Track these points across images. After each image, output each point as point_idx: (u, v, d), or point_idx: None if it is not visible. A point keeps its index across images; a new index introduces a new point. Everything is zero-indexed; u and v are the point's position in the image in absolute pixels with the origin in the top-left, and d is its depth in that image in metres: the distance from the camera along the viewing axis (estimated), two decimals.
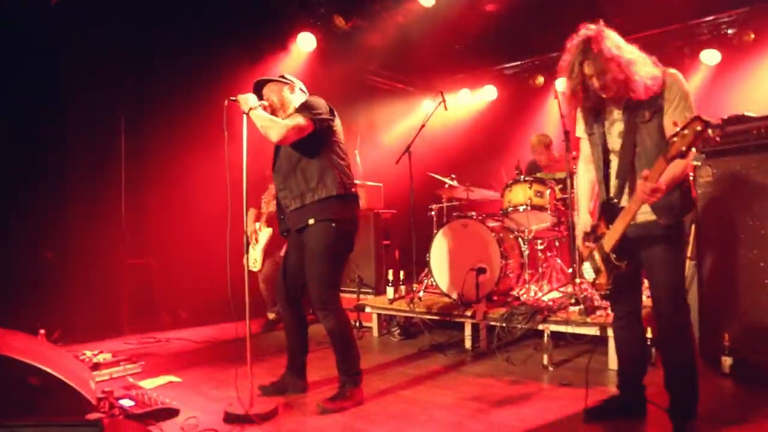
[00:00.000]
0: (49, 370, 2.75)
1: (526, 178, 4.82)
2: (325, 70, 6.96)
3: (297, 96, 3.47)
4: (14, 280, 5.07)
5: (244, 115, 3.17)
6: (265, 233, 4.91)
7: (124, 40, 5.69)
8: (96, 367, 3.96)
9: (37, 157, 5.34)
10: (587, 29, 2.53)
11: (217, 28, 5.99)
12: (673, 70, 2.55)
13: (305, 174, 3.27)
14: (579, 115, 2.88)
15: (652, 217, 2.56)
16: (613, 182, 2.68)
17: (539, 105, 7.90)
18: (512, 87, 8.17)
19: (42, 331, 4.37)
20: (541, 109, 7.85)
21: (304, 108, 3.25)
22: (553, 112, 5.88)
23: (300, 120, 3.16)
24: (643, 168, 2.39)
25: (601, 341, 3.93)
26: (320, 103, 3.32)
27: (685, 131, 2.14)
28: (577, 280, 4.29)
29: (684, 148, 2.15)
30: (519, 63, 7.93)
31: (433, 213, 5.78)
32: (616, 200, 2.64)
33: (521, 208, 4.73)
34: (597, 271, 2.71)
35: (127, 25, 5.60)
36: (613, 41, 2.50)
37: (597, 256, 2.69)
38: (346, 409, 3.18)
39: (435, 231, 5.17)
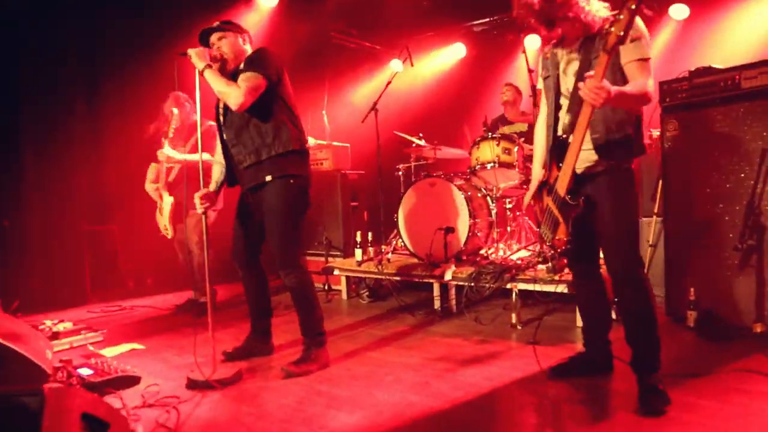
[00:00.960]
0: (0, 340, 2.65)
1: (494, 135, 4.74)
2: (289, 27, 6.75)
3: (247, 45, 3.33)
4: None
5: (197, 72, 3.04)
6: (167, 202, 4.72)
7: None
8: (55, 336, 3.84)
9: None
10: None
11: None
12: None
13: (260, 129, 3.15)
14: (539, 64, 2.81)
15: (600, 166, 2.51)
16: (563, 121, 2.60)
17: (508, 62, 7.78)
18: (481, 44, 8.02)
19: None
20: (510, 66, 7.73)
21: (257, 64, 3.10)
22: (521, 68, 5.77)
23: (255, 80, 3.03)
24: None
25: (570, 298, 3.94)
26: (271, 57, 3.18)
27: (620, 16, 2.07)
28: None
29: (621, 33, 2.07)
30: (488, 20, 7.76)
31: (400, 173, 5.69)
32: (565, 136, 2.55)
33: (489, 166, 4.66)
34: (555, 224, 2.63)
35: None
36: None
37: (552, 206, 2.64)
38: (311, 372, 3.13)
39: (403, 191, 5.09)
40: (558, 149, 2.59)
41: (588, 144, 2.47)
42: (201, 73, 3.04)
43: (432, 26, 7.96)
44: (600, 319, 2.88)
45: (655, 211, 4.28)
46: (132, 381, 3.06)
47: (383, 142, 5.31)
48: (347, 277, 5.27)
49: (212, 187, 3.43)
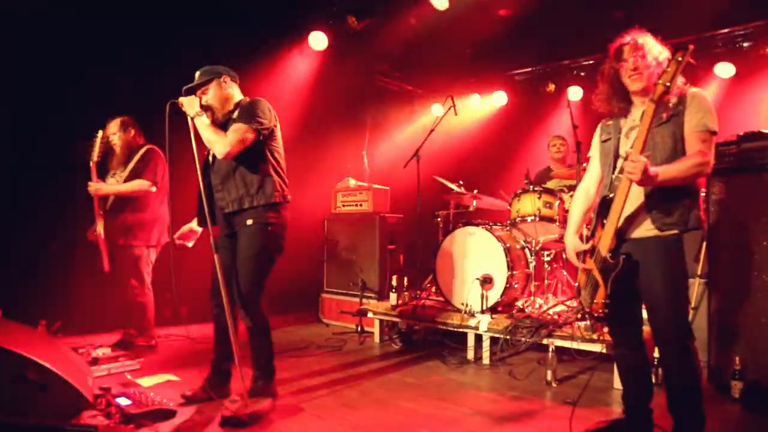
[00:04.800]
0: (47, 365, 2.71)
1: (536, 188, 4.75)
2: (335, 69, 6.90)
3: (231, 88, 3.41)
4: (17, 270, 5.02)
5: (190, 120, 3.20)
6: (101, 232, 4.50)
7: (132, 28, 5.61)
8: (95, 362, 3.92)
9: (42, 151, 5.29)
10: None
11: (232, 19, 5.87)
12: (700, 91, 2.53)
13: (245, 179, 3.28)
14: (597, 131, 2.84)
15: (652, 232, 2.50)
16: (614, 181, 2.62)
17: (550, 112, 7.81)
18: (523, 93, 8.08)
19: (43, 323, 4.33)
20: (551, 117, 7.76)
21: (249, 116, 3.22)
22: (564, 121, 5.78)
23: (244, 133, 3.17)
24: None
25: (606, 357, 3.87)
26: (265, 109, 3.30)
27: (668, 69, 2.14)
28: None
29: (668, 83, 2.15)
30: (530, 69, 7.85)
31: (439, 219, 5.72)
32: (611, 194, 2.56)
33: (529, 219, 4.67)
34: (595, 288, 2.62)
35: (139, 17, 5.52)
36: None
37: (594, 270, 2.63)
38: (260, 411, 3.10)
39: (441, 238, 5.11)
40: (603, 206, 2.60)
41: (643, 210, 2.47)
42: (192, 119, 3.19)
43: (474, 73, 8.08)
44: (641, 386, 2.80)
45: (698, 272, 4.20)
46: (168, 415, 3.08)
47: (423, 186, 5.37)
48: (381, 321, 5.26)
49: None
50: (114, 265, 4.58)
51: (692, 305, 4.22)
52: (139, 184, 4.47)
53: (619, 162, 2.64)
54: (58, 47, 5.04)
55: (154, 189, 4.55)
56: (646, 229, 2.52)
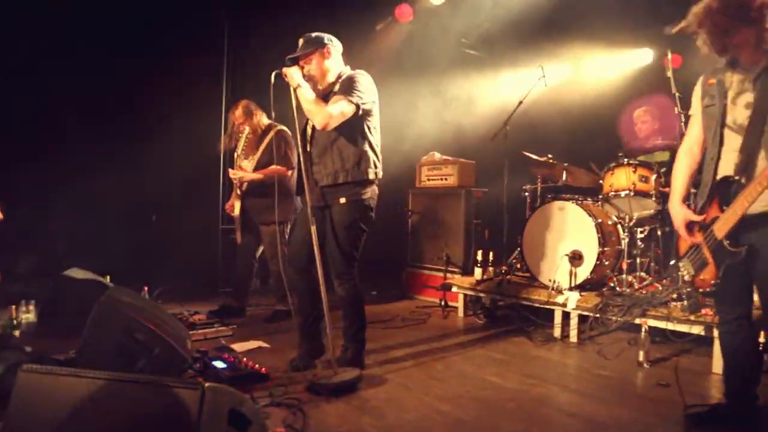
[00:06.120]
0: (153, 327, 2.90)
1: (631, 161, 4.54)
2: (420, 41, 6.82)
3: (334, 61, 3.39)
4: (124, 241, 5.40)
5: (292, 90, 3.23)
6: (237, 211, 4.91)
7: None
8: (192, 326, 4.14)
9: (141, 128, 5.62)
10: None
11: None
12: None
13: (342, 153, 3.31)
14: (697, 89, 2.65)
15: None
16: (732, 159, 2.42)
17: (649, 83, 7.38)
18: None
19: (145, 288, 4.63)
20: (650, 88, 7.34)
21: (351, 89, 3.22)
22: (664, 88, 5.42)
23: (345, 107, 3.18)
24: None
25: (704, 340, 3.68)
26: (366, 83, 3.30)
27: None
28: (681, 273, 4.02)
29: None
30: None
31: (527, 194, 5.59)
32: (737, 177, 2.38)
33: (623, 194, 4.47)
34: (702, 264, 2.49)
35: None
36: None
37: (703, 247, 2.48)
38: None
39: (528, 213, 5.00)
40: (724, 188, 2.43)
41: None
42: (295, 90, 3.22)
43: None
44: (748, 371, 2.64)
45: None
46: (261, 378, 3.22)
47: (511, 159, 5.25)
48: (465, 295, 5.24)
49: None
50: (245, 239, 4.97)
51: None
52: (276, 170, 4.57)
53: (728, 134, 2.46)
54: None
55: (290, 173, 4.73)
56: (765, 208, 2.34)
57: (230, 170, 4.86)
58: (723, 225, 2.38)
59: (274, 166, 4.58)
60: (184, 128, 5.69)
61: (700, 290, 2.60)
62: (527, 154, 5.29)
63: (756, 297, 2.62)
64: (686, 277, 2.64)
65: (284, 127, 4.77)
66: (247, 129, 4.83)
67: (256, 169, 4.76)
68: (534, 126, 7.07)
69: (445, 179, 6.01)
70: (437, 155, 6.27)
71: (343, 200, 3.31)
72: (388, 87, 6.34)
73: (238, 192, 4.87)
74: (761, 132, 2.32)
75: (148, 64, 5.55)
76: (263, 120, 4.83)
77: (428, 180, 6.25)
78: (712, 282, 2.48)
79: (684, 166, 2.73)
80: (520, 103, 5.21)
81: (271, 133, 4.75)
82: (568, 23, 6.94)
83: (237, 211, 4.89)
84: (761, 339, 3.26)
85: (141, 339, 2.84)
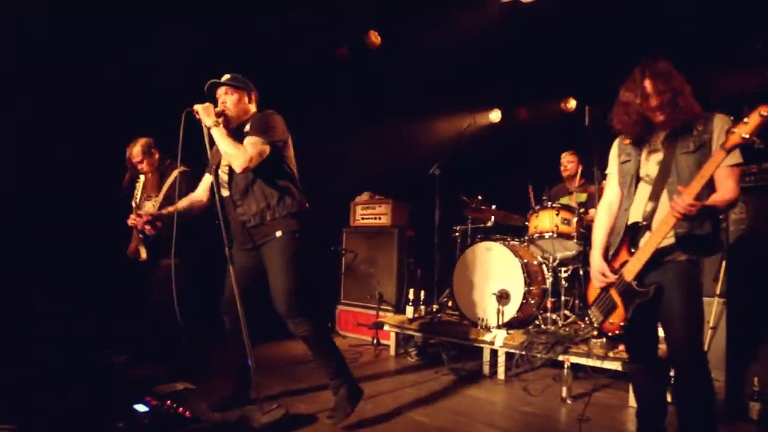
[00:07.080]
0: None
1: (554, 205, 4.76)
2: (361, 79, 6.95)
3: (253, 107, 3.45)
4: None
5: (204, 127, 3.15)
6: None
7: None
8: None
9: None
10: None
11: None
12: (723, 115, 2.52)
13: (264, 191, 3.29)
14: (614, 149, 2.85)
15: (678, 257, 2.50)
16: (641, 207, 2.61)
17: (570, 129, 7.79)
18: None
19: None
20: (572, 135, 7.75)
21: (263, 129, 3.21)
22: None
23: (261, 146, 3.14)
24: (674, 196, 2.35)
25: (622, 375, 3.85)
26: (279, 121, 3.32)
27: (746, 120, 2.07)
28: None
29: (747, 135, 2.08)
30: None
31: (457, 234, 5.74)
32: (645, 222, 2.57)
33: (547, 235, 4.68)
34: (611, 309, 2.64)
35: None
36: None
37: (612, 290, 2.64)
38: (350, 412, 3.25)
39: (458, 252, 5.13)
40: (633, 233, 2.61)
41: (670, 234, 2.47)
42: (208, 129, 3.14)
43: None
44: (656, 405, 2.80)
45: (717, 292, 4.18)
46: (186, 422, 3.13)
47: (442, 200, 5.38)
48: (397, 334, 5.28)
49: None
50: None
51: (711, 325, 4.20)
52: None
53: (641, 186, 2.65)
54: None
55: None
56: (672, 255, 2.53)
57: (132, 216, 4.12)
58: (632, 267, 2.55)
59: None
60: None
61: (609, 334, 2.73)
62: (459, 195, 5.45)
63: (662, 334, 2.79)
64: (595, 324, 2.78)
65: (186, 168, 4.32)
66: (146, 170, 4.46)
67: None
68: (466, 167, 7.30)
69: (379, 218, 6.10)
70: (370, 195, 6.37)
71: (279, 233, 3.26)
72: (325, 125, 6.46)
73: (141, 236, 4.34)
74: (666, 182, 2.53)
75: None
76: (163, 159, 4.51)
77: (362, 219, 6.32)
78: (621, 324, 2.62)
79: (603, 221, 2.89)
80: (453, 148, 5.39)
81: (175, 173, 4.38)
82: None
83: (144, 255, 4.42)
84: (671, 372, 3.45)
85: None
